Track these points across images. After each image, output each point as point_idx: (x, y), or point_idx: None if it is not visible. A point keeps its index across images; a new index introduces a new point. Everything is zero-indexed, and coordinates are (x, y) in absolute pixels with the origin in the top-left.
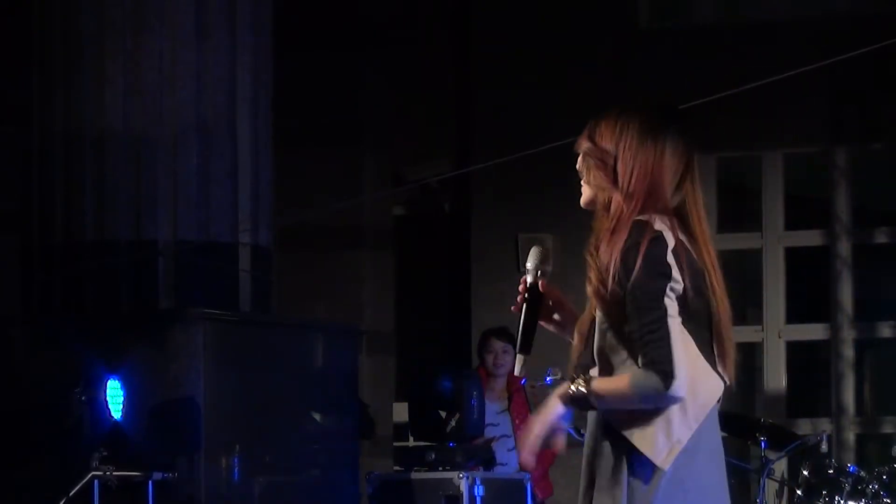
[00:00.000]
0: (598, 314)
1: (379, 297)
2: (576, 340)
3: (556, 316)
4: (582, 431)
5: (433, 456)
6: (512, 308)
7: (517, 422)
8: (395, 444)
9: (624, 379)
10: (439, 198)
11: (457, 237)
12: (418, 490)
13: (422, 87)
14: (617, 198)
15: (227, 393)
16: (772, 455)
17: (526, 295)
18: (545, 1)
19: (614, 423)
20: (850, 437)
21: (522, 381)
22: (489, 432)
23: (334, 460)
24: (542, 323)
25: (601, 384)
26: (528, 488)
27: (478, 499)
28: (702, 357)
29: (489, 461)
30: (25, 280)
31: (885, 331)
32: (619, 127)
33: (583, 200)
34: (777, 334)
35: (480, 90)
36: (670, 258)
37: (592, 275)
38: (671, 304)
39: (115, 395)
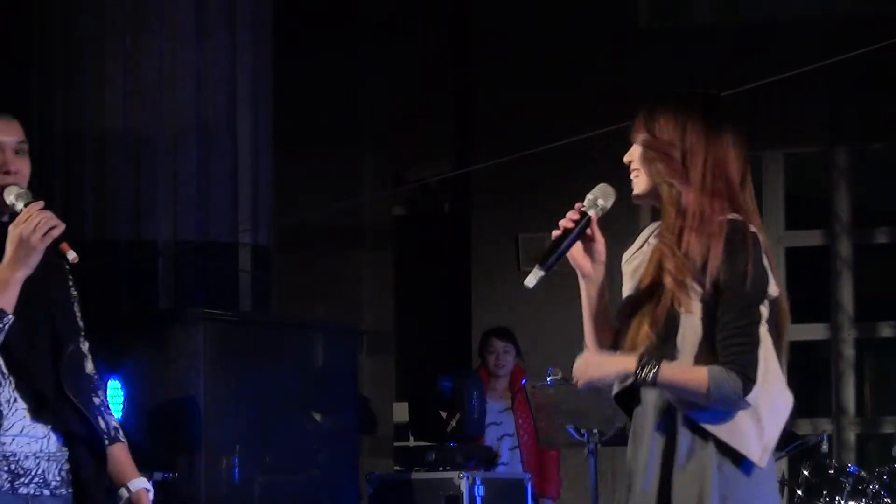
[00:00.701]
0: (685, 308)
1: (379, 297)
2: (645, 330)
3: (587, 260)
4: (583, 431)
5: (433, 456)
6: (558, 225)
7: (520, 421)
8: (395, 444)
9: (701, 373)
10: (439, 198)
11: (457, 237)
12: (418, 490)
13: (422, 87)
14: (691, 194)
15: (227, 393)
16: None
17: (574, 220)
18: (545, 1)
19: (697, 419)
20: (851, 437)
21: (523, 381)
22: (492, 431)
23: (334, 460)
24: (570, 255)
25: (672, 373)
26: (528, 488)
27: (478, 499)
28: (777, 361)
29: (490, 461)
30: None
31: (885, 331)
32: (681, 120)
33: (638, 192)
34: None
35: (480, 90)
36: (765, 261)
37: (672, 266)
38: (764, 312)
39: (115, 395)
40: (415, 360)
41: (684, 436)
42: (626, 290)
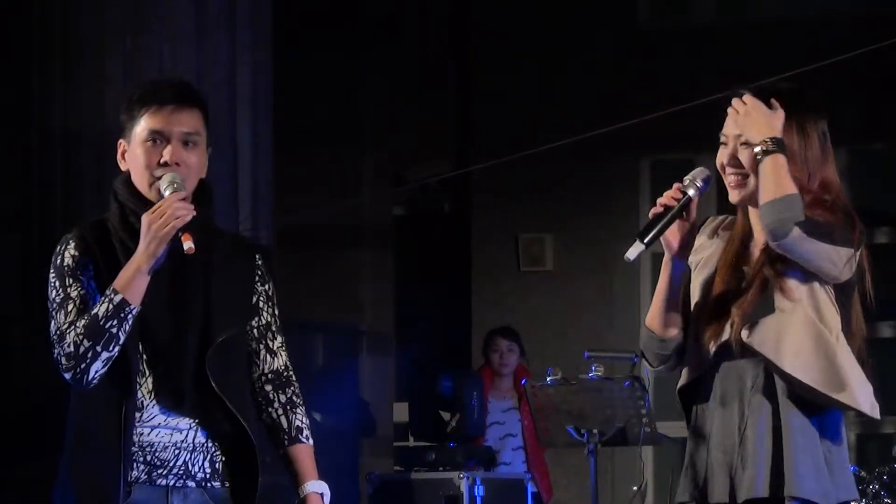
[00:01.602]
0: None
1: (379, 297)
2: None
3: (679, 240)
4: (583, 431)
5: (433, 456)
6: (656, 203)
7: (525, 422)
8: (395, 444)
9: (791, 188)
10: (439, 198)
11: (457, 237)
12: (418, 490)
13: (422, 87)
14: (808, 200)
15: None
16: None
17: (675, 198)
18: (545, 1)
19: (805, 379)
20: (851, 437)
21: (523, 381)
22: (494, 430)
23: (334, 460)
24: (665, 236)
25: (780, 166)
26: (528, 488)
27: (478, 499)
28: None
29: (490, 461)
30: (25, 278)
31: (885, 331)
32: (797, 125)
33: (743, 196)
34: None
35: (480, 91)
36: (861, 252)
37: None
38: (847, 254)
39: None
40: (415, 360)
41: (788, 411)
42: (698, 281)
